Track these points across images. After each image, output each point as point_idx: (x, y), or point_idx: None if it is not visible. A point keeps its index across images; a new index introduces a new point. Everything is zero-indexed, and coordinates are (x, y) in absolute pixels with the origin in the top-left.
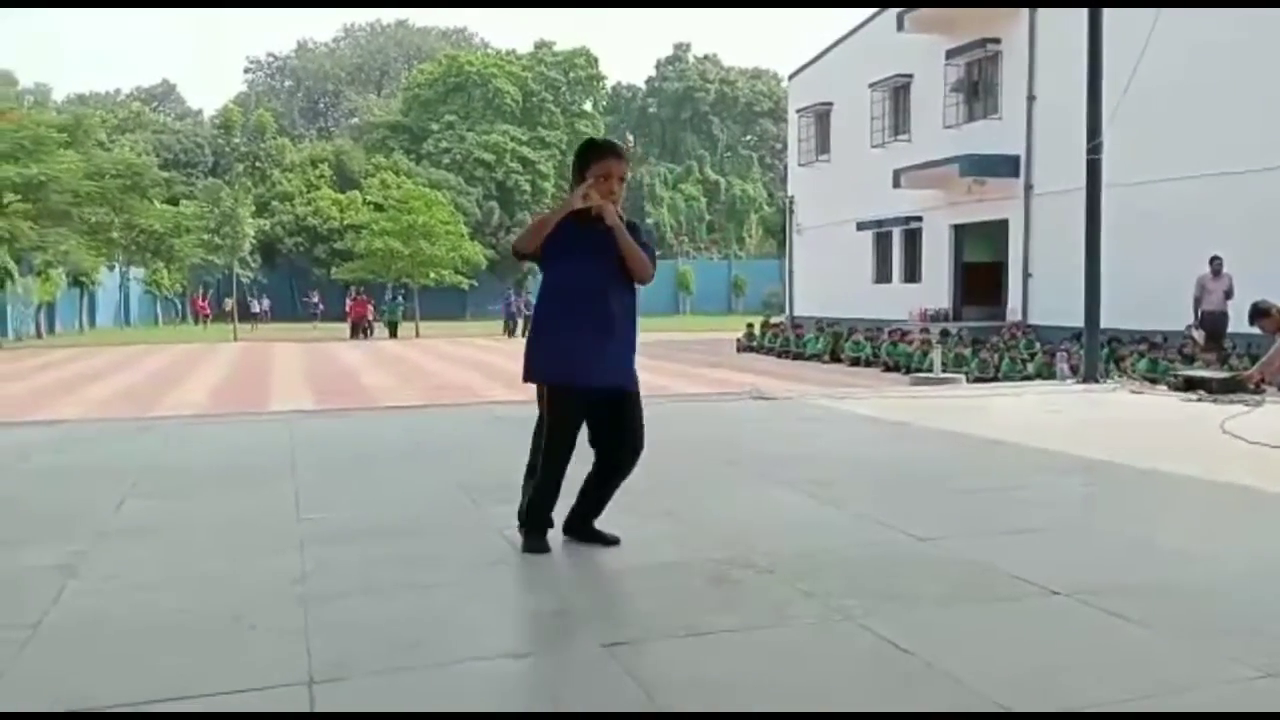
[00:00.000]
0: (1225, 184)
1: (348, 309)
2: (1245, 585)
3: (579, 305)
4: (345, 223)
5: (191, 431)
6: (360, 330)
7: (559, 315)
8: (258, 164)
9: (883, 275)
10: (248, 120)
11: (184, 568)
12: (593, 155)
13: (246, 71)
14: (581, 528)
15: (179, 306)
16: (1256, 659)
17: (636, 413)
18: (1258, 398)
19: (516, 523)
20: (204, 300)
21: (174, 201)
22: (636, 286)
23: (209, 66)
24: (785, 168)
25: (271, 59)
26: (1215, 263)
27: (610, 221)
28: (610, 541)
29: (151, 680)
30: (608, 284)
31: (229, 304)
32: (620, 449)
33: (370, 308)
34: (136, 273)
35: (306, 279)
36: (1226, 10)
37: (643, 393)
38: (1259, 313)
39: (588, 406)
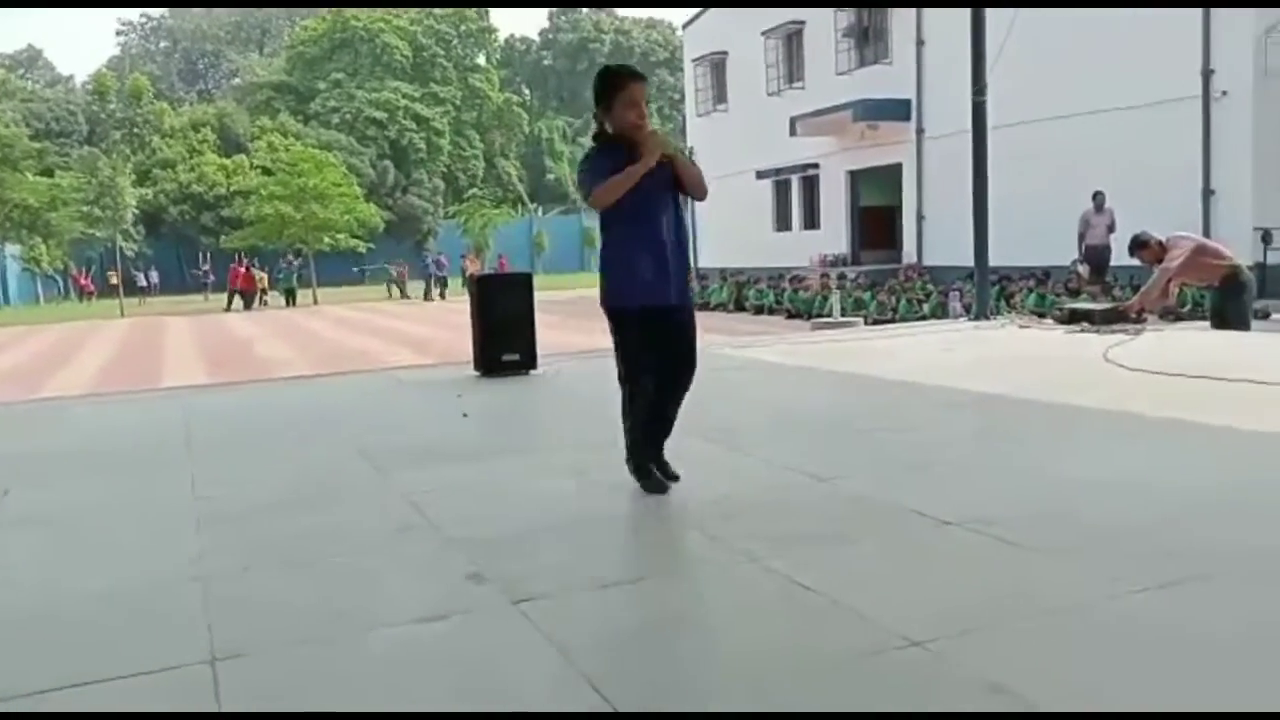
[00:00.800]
0: (1105, 121)
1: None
2: (1128, 508)
3: (644, 232)
4: (232, 189)
5: (79, 412)
6: (241, 299)
7: (628, 244)
8: (136, 130)
9: (783, 223)
10: (123, 85)
11: (76, 554)
12: (615, 84)
13: (119, 34)
14: (653, 458)
15: (61, 283)
16: (1138, 577)
17: (692, 329)
18: (1138, 327)
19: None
20: (86, 276)
21: (48, 173)
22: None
23: (78, 30)
24: (683, 118)
25: (145, 20)
26: (1098, 198)
27: (669, 152)
28: (673, 477)
29: (46, 669)
30: (666, 208)
31: (114, 278)
32: (673, 361)
33: (255, 275)
34: (12, 250)
35: (194, 249)
36: None
37: (551, 350)
38: (1138, 244)
39: (646, 325)
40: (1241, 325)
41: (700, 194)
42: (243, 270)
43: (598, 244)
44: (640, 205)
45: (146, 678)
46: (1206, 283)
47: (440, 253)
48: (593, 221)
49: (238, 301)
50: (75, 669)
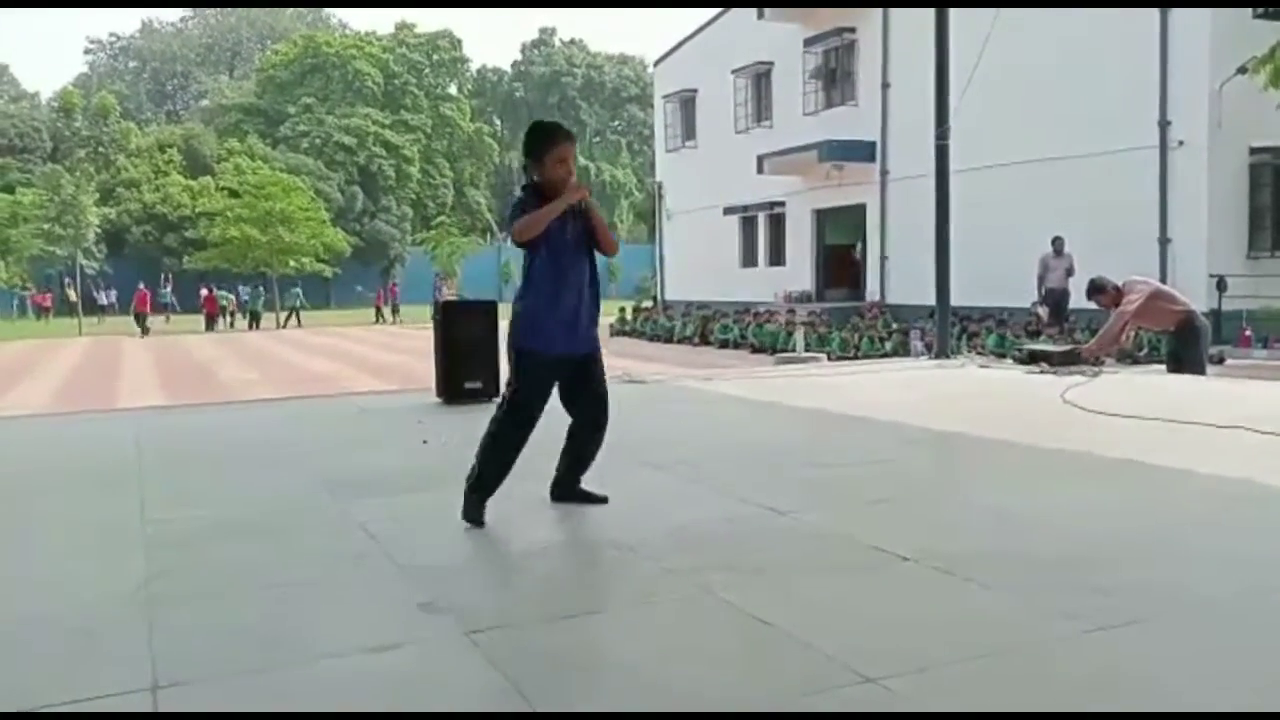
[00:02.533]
0: (1064, 167)
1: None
2: (1082, 546)
3: (562, 280)
4: (197, 210)
5: (30, 431)
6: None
7: (545, 290)
8: (101, 149)
9: (749, 259)
10: (89, 103)
11: (20, 576)
12: (548, 142)
13: (87, 52)
14: (567, 490)
15: (18, 301)
16: (1090, 615)
17: (603, 376)
18: (1095, 369)
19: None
20: (43, 294)
21: (9, 189)
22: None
23: (45, 46)
24: (653, 153)
25: (114, 39)
26: (1057, 243)
27: (587, 203)
28: (600, 500)
29: None
30: (582, 260)
31: (72, 295)
32: (591, 408)
33: (216, 298)
34: None
35: (157, 269)
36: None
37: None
38: (1096, 289)
39: (560, 373)
40: (1196, 369)
41: (610, 249)
42: (142, 293)
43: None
44: (559, 254)
45: (85, 704)
46: (1162, 327)
47: (439, 275)
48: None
49: (199, 322)
50: (13, 694)
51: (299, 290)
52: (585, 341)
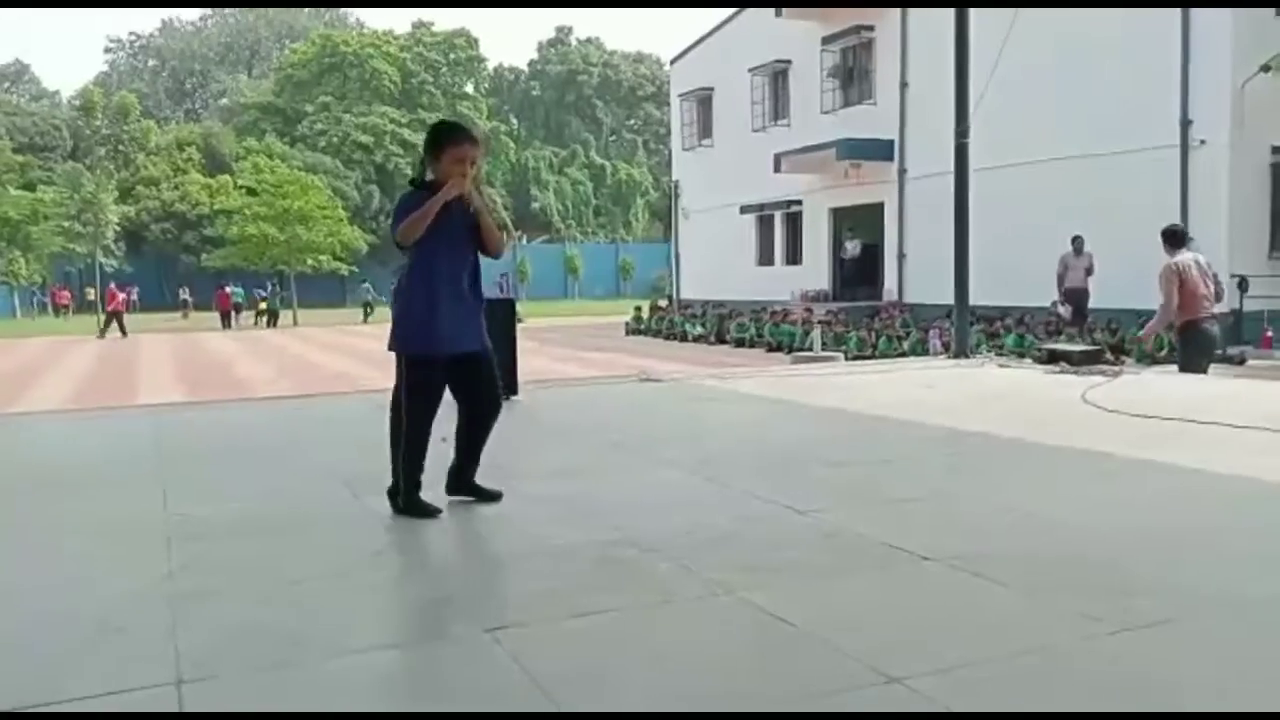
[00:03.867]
0: (1085, 166)
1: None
2: (1103, 546)
3: (444, 280)
4: (216, 208)
5: (53, 428)
6: (220, 319)
7: (427, 291)
8: (121, 148)
9: (766, 258)
10: (109, 102)
11: (45, 570)
12: (447, 141)
13: (107, 51)
14: (461, 484)
15: (39, 298)
16: (1113, 616)
17: (493, 372)
18: (1116, 369)
19: (389, 505)
20: (61, 290)
21: (30, 187)
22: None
23: (66, 45)
24: (670, 152)
25: (134, 38)
26: (1077, 242)
27: (475, 205)
28: (493, 497)
29: (10, 687)
30: (465, 259)
31: (91, 294)
32: (482, 404)
33: (230, 295)
34: None
35: (175, 267)
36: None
37: (531, 377)
38: (1168, 235)
39: (450, 371)
40: (1194, 372)
41: (493, 251)
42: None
43: (580, 272)
44: (442, 253)
45: (111, 699)
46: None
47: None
48: (576, 250)
49: (216, 320)
50: (40, 688)
51: (274, 289)
52: (471, 339)
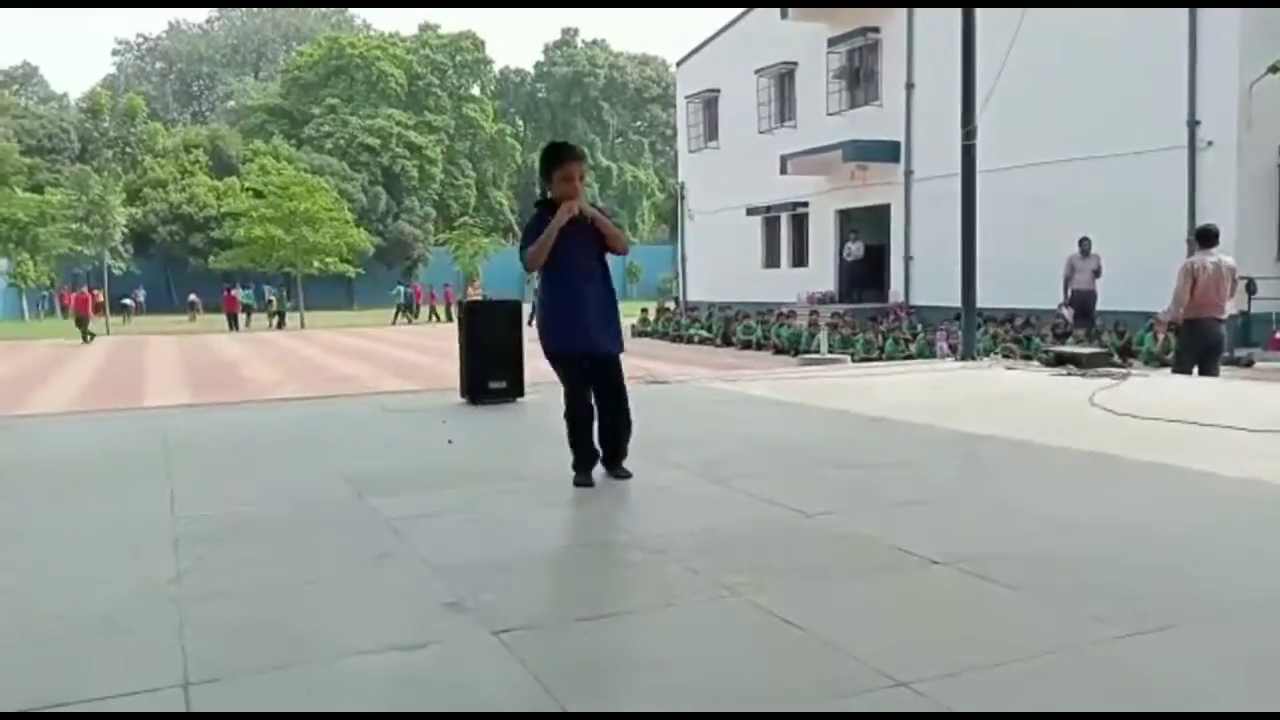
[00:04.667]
0: (1092, 168)
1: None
2: (1112, 550)
3: (576, 289)
4: (223, 210)
5: (60, 429)
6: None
7: (563, 299)
8: (128, 150)
9: (772, 260)
10: (116, 104)
11: (52, 571)
12: (555, 161)
13: (114, 53)
14: (610, 466)
15: (47, 300)
16: (1121, 620)
17: (622, 371)
18: (1124, 371)
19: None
20: (68, 294)
21: (38, 189)
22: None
23: (74, 48)
24: (676, 154)
25: (141, 40)
26: (1084, 244)
27: (590, 215)
28: (623, 475)
29: (19, 689)
30: (594, 265)
31: (99, 296)
32: (614, 400)
33: (237, 298)
34: None
35: (183, 269)
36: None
37: (538, 379)
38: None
39: (590, 368)
40: (1180, 369)
41: (619, 249)
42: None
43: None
44: (568, 265)
45: (117, 700)
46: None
47: (416, 280)
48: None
49: (223, 321)
50: (47, 689)
51: (281, 291)
52: (604, 342)
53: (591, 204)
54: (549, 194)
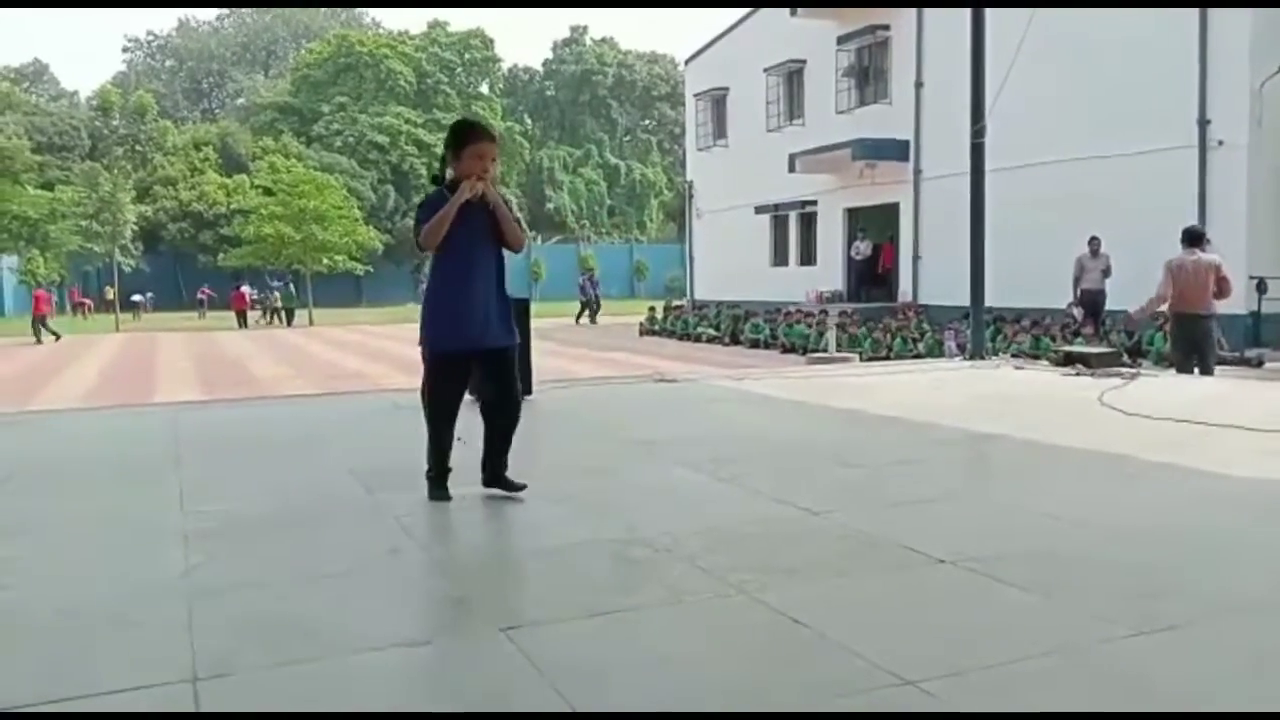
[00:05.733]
0: (1101, 167)
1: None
2: (1121, 550)
3: (467, 277)
4: (232, 208)
5: (70, 424)
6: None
7: (450, 288)
8: (138, 147)
9: (780, 258)
10: (127, 102)
11: (62, 566)
12: (466, 138)
13: (125, 51)
14: (492, 478)
15: (57, 297)
16: (1129, 619)
17: (514, 368)
18: (1133, 371)
19: (426, 491)
20: (81, 292)
21: (49, 187)
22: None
23: (84, 45)
24: (684, 152)
25: (151, 38)
26: (1093, 243)
27: (491, 201)
28: (517, 488)
29: (27, 682)
30: (489, 255)
31: (110, 292)
32: (507, 399)
33: (247, 295)
34: (9, 262)
35: (193, 266)
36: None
37: (547, 377)
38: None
39: (475, 366)
40: (1178, 367)
41: (515, 246)
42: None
43: (595, 273)
44: (464, 251)
45: (126, 695)
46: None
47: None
48: (590, 250)
49: (233, 318)
50: (55, 683)
51: (289, 286)
52: (495, 336)
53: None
54: (451, 172)
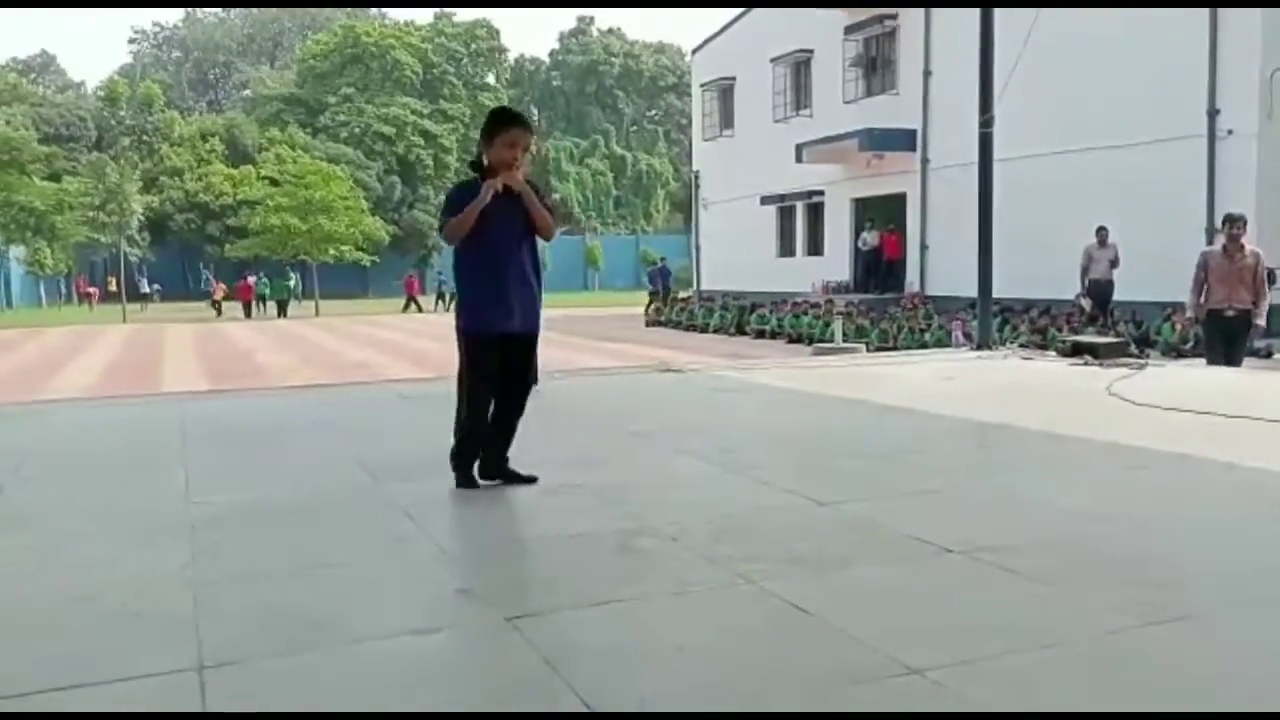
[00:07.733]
0: (1110, 157)
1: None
2: (1129, 539)
3: (497, 266)
4: (239, 198)
5: (76, 415)
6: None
7: (484, 275)
8: (145, 138)
9: (786, 249)
10: (134, 93)
11: (67, 555)
12: (500, 126)
13: (131, 42)
14: (495, 468)
15: (64, 287)
16: (1139, 609)
17: (533, 356)
18: (1140, 361)
19: (451, 467)
20: (89, 282)
21: (55, 178)
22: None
23: (91, 37)
24: (690, 142)
25: (158, 29)
26: (1101, 233)
27: (518, 189)
28: (527, 481)
29: (32, 671)
30: (520, 244)
31: (112, 283)
32: (521, 385)
33: (252, 285)
34: (16, 252)
35: (199, 257)
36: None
37: (553, 368)
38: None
39: (502, 351)
40: (1213, 360)
41: (547, 233)
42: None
43: (601, 264)
44: (494, 241)
45: (132, 683)
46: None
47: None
48: (596, 241)
49: (239, 310)
50: (61, 672)
51: (284, 277)
52: (523, 323)
53: (531, 185)
54: (484, 159)
